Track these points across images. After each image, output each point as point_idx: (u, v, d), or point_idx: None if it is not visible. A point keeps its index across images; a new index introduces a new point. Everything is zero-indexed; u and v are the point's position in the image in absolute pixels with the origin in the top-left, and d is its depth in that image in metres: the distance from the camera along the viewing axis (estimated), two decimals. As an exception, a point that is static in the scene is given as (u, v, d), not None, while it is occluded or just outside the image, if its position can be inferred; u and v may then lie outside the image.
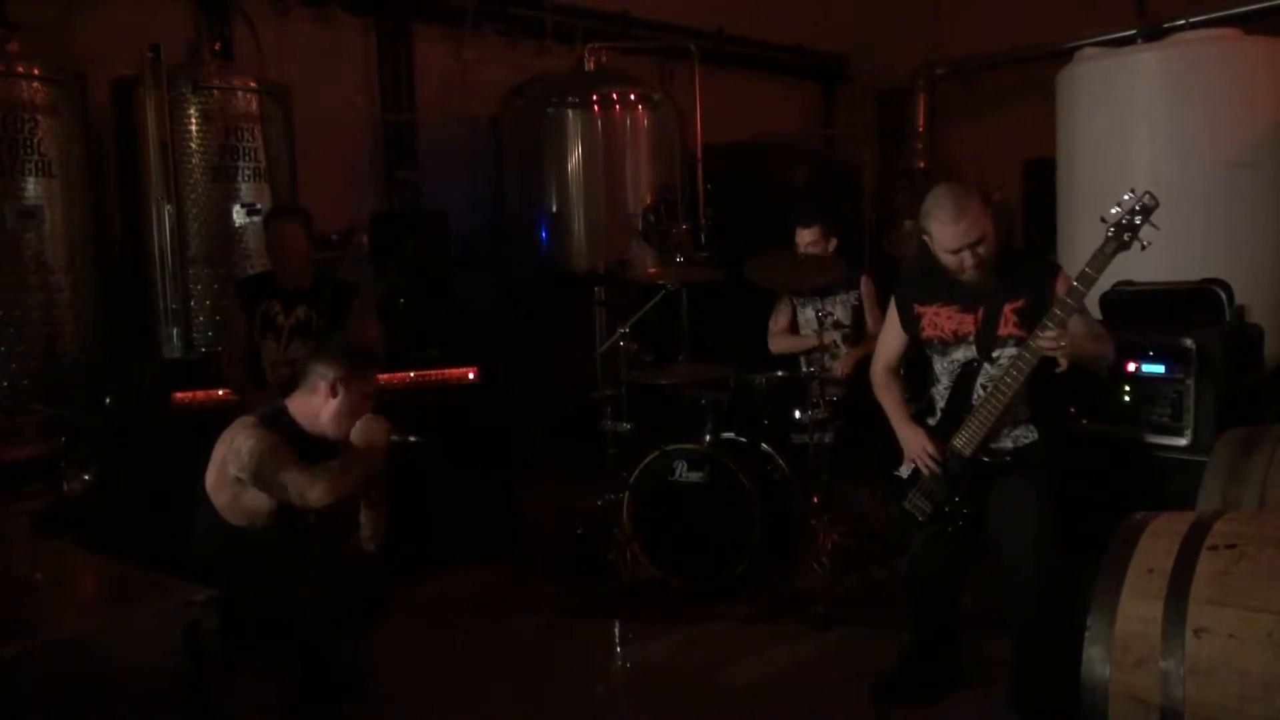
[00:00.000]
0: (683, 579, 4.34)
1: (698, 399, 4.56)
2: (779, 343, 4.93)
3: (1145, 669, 2.18)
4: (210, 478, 3.00)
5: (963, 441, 3.10)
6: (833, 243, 4.76)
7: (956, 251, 3.01)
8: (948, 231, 3.00)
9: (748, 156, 7.45)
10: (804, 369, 4.82)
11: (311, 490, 2.89)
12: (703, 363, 4.74)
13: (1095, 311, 3.97)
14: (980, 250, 3.01)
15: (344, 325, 4.12)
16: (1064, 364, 2.90)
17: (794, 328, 4.91)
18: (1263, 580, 2.14)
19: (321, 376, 3.01)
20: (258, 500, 2.94)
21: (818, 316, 4.55)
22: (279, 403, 3.11)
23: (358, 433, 3.06)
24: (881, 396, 3.36)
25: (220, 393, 4.34)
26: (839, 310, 4.72)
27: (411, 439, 3.12)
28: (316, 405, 3.02)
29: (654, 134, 6.22)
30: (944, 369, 3.21)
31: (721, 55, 7.76)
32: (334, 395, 3.00)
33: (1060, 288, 2.98)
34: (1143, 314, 3.99)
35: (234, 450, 2.92)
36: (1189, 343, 3.62)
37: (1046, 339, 2.85)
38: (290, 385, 3.91)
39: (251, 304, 4.21)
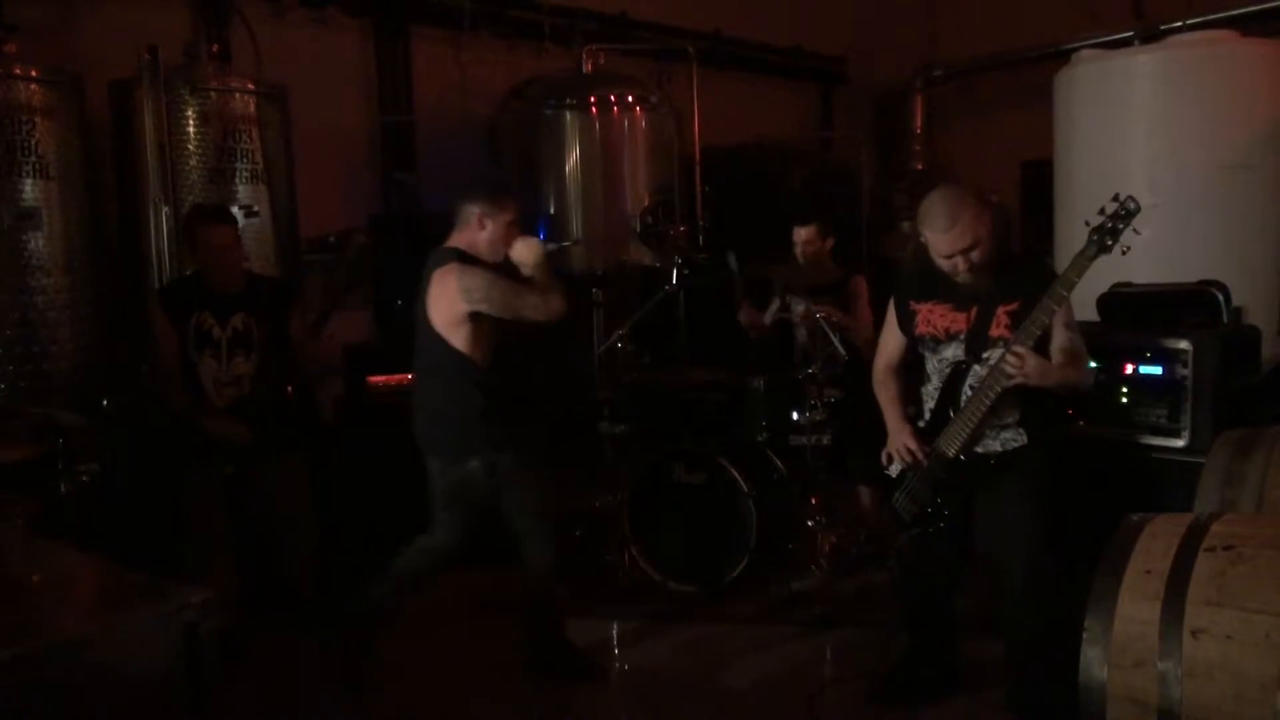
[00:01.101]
0: (681, 581, 4.34)
1: (696, 401, 4.56)
2: (747, 318, 4.95)
3: (1143, 670, 2.18)
4: (440, 318, 3.36)
5: (947, 442, 3.11)
6: (829, 242, 4.77)
7: (949, 257, 3.04)
8: (939, 239, 3.04)
9: (746, 158, 7.45)
10: (797, 361, 4.83)
11: (550, 301, 3.36)
12: (701, 364, 4.75)
13: (1090, 314, 3.98)
14: (973, 256, 3.03)
15: (285, 332, 3.92)
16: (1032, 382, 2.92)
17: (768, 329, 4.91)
18: (1260, 582, 2.14)
19: (470, 213, 3.43)
20: (484, 334, 3.39)
21: (817, 317, 4.55)
22: (448, 245, 3.44)
23: (516, 252, 3.42)
24: (879, 394, 3.38)
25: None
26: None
27: (565, 243, 3.61)
28: (471, 237, 3.43)
29: (652, 136, 6.22)
30: (934, 368, 3.22)
31: (719, 57, 7.76)
32: (483, 228, 3.41)
33: None
34: (1140, 315, 3.99)
35: (464, 289, 3.29)
36: (1186, 344, 3.62)
37: (1010, 366, 2.89)
38: (244, 406, 3.87)
39: (180, 316, 3.86)
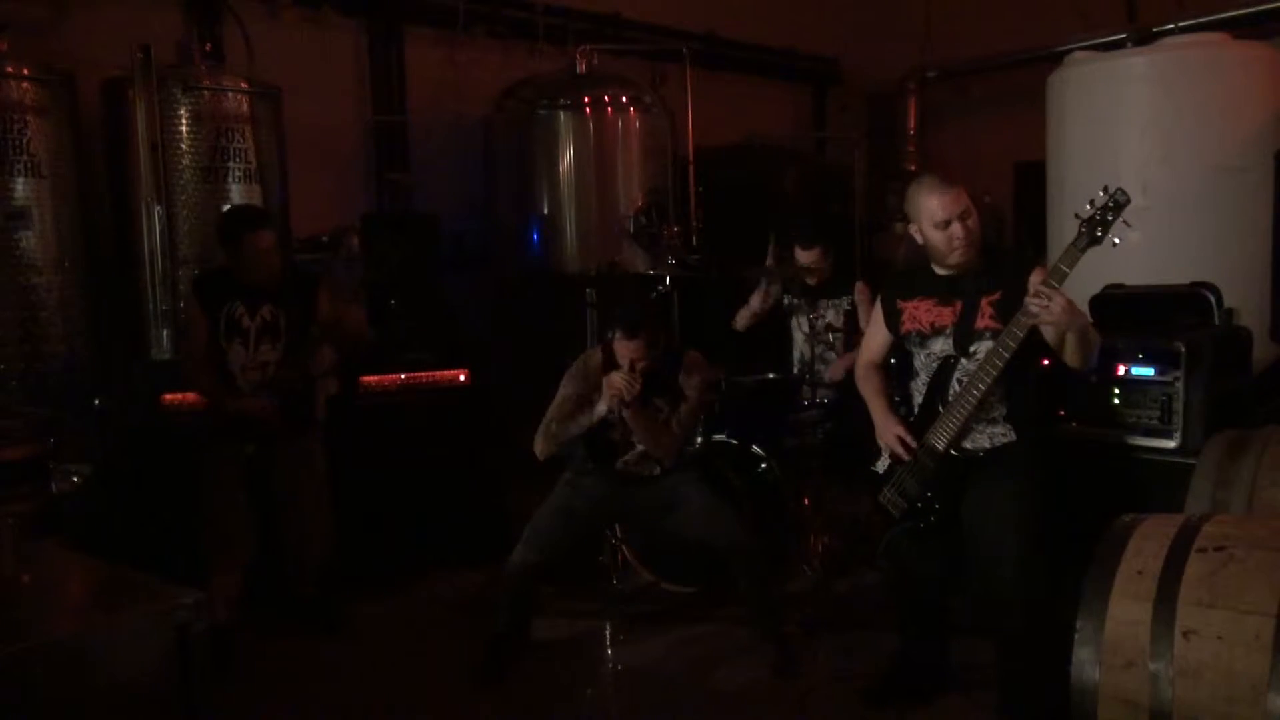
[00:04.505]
0: (674, 582, 4.34)
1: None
2: (743, 319, 4.93)
3: (1134, 671, 2.18)
4: None
5: (937, 436, 3.11)
6: (829, 259, 4.78)
7: (947, 224, 3.04)
8: (937, 201, 3.04)
9: (739, 159, 7.46)
10: (796, 368, 4.83)
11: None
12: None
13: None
14: (969, 223, 3.04)
15: (315, 319, 3.99)
16: (1051, 333, 2.90)
17: (765, 312, 4.90)
18: (1251, 582, 2.15)
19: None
20: None
21: (810, 320, 4.56)
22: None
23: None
24: (862, 387, 3.38)
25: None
26: (830, 315, 4.74)
27: None
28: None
29: (645, 136, 6.23)
30: (922, 364, 3.23)
31: (713, 58, 7.77)
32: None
33: (1035, 279, 2.99)
34: (1132, 316, 3.99)
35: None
36: (1178, 345, 3.62)
37: (1035, 304, 2.84)
38: (268, 388, 3.91)
39: (213, 306, 3.94)
